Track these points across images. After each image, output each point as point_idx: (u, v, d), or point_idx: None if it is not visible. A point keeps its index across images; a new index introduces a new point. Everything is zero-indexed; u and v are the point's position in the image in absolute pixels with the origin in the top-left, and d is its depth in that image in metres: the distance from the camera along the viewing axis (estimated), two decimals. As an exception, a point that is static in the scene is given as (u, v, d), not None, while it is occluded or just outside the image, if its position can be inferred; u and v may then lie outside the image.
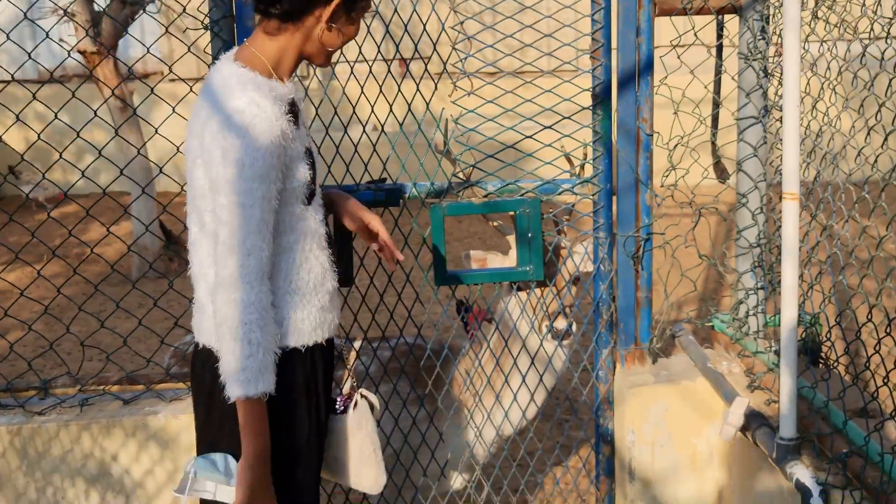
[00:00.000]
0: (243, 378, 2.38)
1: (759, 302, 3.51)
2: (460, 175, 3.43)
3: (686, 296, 4.28)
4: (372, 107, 3.58)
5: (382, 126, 3.34)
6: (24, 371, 3.27)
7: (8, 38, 3.30)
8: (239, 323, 2.38)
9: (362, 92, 3.40)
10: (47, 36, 3.39)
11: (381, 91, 3.48)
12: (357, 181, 3.49)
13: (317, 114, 3.40)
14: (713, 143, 3.56)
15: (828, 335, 3.35)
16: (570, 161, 3.44)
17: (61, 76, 12.45)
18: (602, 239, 3.47)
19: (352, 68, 3.44)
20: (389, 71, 3.59)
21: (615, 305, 3.52)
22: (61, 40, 10.76)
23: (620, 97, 3.41)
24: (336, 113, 3.48)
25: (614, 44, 3.37)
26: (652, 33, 3.36)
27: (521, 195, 3.41)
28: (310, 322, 2.61)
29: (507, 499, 3.96)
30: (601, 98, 3.39)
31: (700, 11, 3.40)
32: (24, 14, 3.32)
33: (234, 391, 2.40)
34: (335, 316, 2.74)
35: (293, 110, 2.57)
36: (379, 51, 3.40)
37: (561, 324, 3.31)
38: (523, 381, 3.44)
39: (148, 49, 3.19)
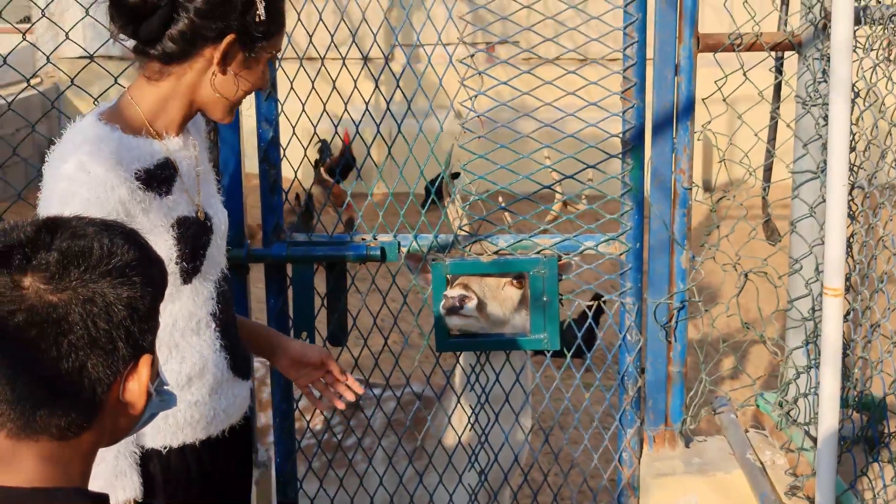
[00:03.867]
0: (99, 486, 2.04)
1: (811, 383, 3.03)
2: (465, 228, 3.02)
3: (727, 371, 3.84)
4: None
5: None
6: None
7: (87, 13, 2.96)
8: None
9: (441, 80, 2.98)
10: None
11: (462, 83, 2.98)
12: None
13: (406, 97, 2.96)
14: (764, 199, 3.08)
15: None
16: (565, 204, 3.03)
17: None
18: (630, 305, 3.03)
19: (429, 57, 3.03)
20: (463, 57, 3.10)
21: (643, 380, 3.08)
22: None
23: (654, 144, 2.96)
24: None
25: (649, 83, 2.92)
26: (693, 72, 2.90)
27: (537, 252, 2.99)
28: (175, 420, 2.23)
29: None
30: (632, 144, 2.94)
31: (751, 48, 2.91)
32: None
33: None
34: (227, 407, 2.33)
35: (162, 174, 2.16)
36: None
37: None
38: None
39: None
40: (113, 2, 2.11)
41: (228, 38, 2.11)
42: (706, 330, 3.05)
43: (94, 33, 10.57)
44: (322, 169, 8.77)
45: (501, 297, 3.05)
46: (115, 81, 2.90)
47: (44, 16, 3.09)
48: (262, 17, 2.12)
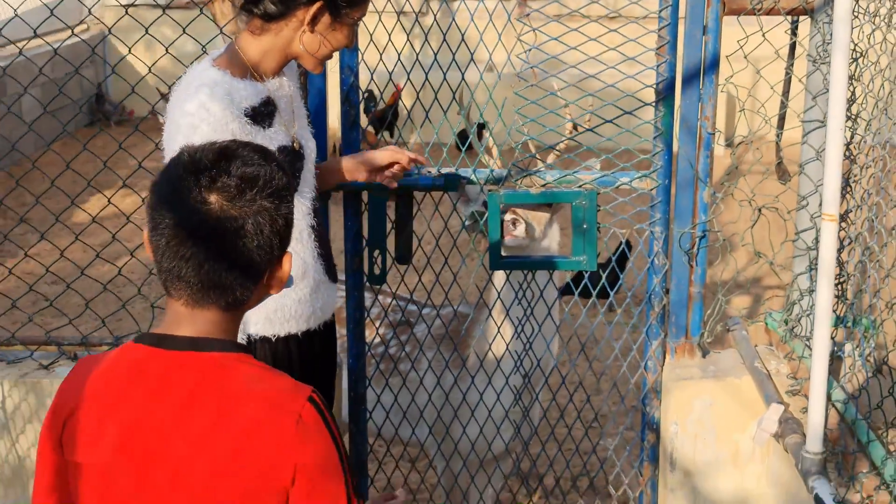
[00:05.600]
0: None
1: (812, 303, 3.51)
2: (519, 164, 3.50)
3: (741, 293, 4.30)
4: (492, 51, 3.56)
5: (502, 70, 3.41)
6: (99, 327, 3.50)
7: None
8: None
9: (477, 30, 3.44)
10: None
11: (499, 37, 3.47)
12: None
13: (435, 54, 3.46)
14: (777, 144, 3.55)
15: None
16: (574, 127, 3.52)
17: (187, 2, 12.78)
18: (658, 233, 3.51)
19: (473, 15, 3.51)
20: (509, 18, 3.58)
21: (668, 298, 3.56)
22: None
23: (684, 94, 3.42)
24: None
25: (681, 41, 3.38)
26: (719, 32, 3.36)
27: (579, 186, 3.47)
28: (283, 313, 2.73)
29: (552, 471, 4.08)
30: (664, 94, 3.41)
31: (770, 12, 3.37)
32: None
33: None
34: (322, 306, 2.84)
35: (265, 110, 2.63)
36: None
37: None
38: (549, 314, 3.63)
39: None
40: None
41: (317, 4, 2.60)
42: (726, 260, 3.52)
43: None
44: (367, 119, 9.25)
45: (537, 218, 3.61)
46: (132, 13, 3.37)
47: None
48: None
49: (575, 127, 3.60)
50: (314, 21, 2.62)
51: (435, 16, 3.51)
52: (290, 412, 1.83)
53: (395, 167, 3.09)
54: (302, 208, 2.78)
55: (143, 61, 3.66)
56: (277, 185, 1.87)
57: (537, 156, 3.53)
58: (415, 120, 3.56)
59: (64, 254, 3.60)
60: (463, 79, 3.51)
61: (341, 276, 3.80)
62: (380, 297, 4.02)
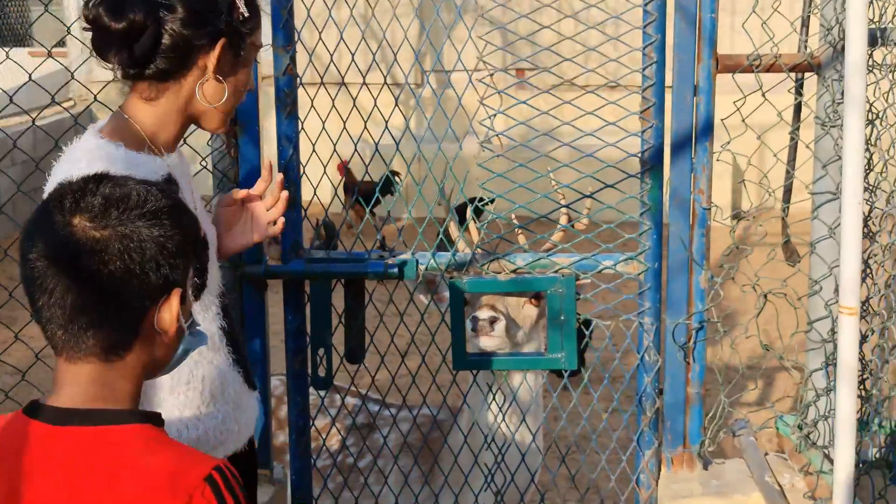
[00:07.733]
0: None
1: (831, 406, 3.00)
2: (483, 247, 3.03)
3: (746, 393, 3.80)
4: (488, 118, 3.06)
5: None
6: None
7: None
8: None
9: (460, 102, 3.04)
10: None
11: (481, 102, 3.03)
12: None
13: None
14: (783, 220, 3.07)
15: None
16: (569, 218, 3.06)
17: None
18: (648, 325, 3.02)
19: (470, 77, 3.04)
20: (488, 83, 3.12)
21: (661, 401, 3.06)
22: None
23: (673, 165, 2.96)
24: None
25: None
26: (712, 92, 2.90)
27: (555, 271, 2.99)
28: (206, 442, 2.23)
29: None
30: (651, 164, 2.94)
31: (770, 68, 2.91)
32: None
33: None
34: (246, 420, 2.36)
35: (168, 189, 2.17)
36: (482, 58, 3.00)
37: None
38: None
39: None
40: (99, 33, 2.11)
41: (221, 42, 2.13)
42: (726, 351, 3.02)
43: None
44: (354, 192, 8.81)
45: (522, 316, 3.11)
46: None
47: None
48: (246, 14, 2.15)
49: (571, 223, 3.15)
50: (219, 64, 2.15)
51: (424, 101, 3.07)
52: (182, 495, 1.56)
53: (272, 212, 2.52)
54: (212, 308, 2.31)
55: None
56: (153, 207, 1.65)
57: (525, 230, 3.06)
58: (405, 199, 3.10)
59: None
60: (454, 166, 3.06)
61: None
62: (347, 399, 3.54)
